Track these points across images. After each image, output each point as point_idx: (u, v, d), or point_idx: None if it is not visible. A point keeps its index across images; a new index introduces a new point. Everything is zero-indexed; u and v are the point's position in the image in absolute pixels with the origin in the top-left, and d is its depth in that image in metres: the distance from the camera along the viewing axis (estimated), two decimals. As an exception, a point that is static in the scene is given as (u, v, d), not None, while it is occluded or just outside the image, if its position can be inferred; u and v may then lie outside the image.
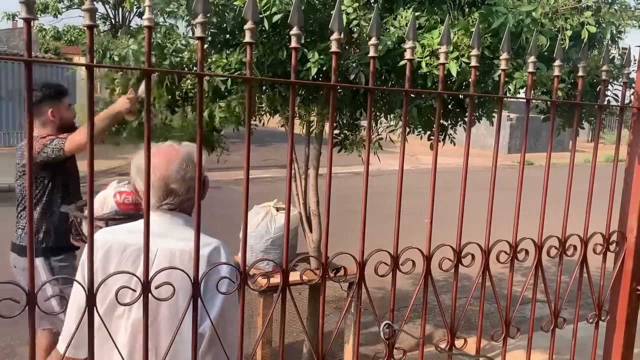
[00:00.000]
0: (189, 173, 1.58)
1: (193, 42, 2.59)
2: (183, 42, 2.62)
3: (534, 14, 2.11)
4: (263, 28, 2.25)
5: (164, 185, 1.57)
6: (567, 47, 2.15)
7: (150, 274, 1.20)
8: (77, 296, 1.54)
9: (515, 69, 2.18)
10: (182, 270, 1.26)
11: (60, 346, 1.66)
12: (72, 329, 1.62)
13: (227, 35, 2.51)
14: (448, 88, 2.35)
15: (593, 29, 2.11)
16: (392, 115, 3.02)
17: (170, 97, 2.77)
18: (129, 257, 1.54)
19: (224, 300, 1.51)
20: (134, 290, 1.21)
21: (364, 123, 2.33)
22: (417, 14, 2.29)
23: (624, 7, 2.31)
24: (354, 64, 2.28)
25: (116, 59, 2.55)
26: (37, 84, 3.00)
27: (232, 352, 1.45)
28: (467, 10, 2.38)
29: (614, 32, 2.27)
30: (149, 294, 1.20)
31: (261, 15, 2.19)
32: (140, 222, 1.62)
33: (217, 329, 1.45)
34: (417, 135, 2.98)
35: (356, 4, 2.18)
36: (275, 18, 2.17)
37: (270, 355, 3.20)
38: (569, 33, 2.11)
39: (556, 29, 2.15)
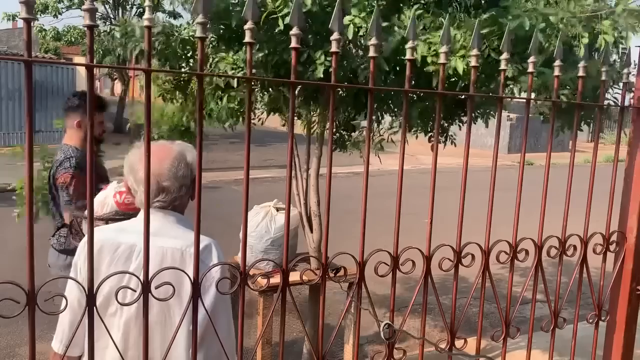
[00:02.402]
0: (181, 171, 1.58)
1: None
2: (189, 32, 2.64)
3: (552, 18, 2.07)
4: (268, 27, 2.25)
5: (156, 183, 1.57)
6: (581, 55, 2.13)
7: (142, 273, 1.20)
8: (70, 295, 1.54)
9: (521, 72, 2.17)
10: (183, 271, 1.26)
11: (54, 344, 1.66)
12: (66, 327, 1.62)
13: (231, 33, 2.52)
14: (452, 89, 2.35)
15: (610, 39, 2.07)
16: (394, 117, 3.02)
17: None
18: (120, 256, 1.54)
19: (215, 297, 1.52)
20: (133, 290, 1.21)
21: (365, 123, 2.33)
22: (421, 13, 2.29)
23: (632, 13, 2.28)
24: (362, 67, 2.28)
25: (118, 35, 2.54)
26: (77, 91, 3.17)
27: (224, 346, 1.45)
28: (472, 12, 2.37)
29: (617, 37, 2.25)
30: (149, 294, 1.20)
31: (275, 16, 2.20)
32: (132, 221, 1.64)
33: (207, 325, 1.45)
34: (415, 134, 2.97)
35: (363, 14, 2.18)
36: (287, 19, 2.19)
37: (270, 355, 3.20)
38: (585, 41, 2.07)
39: (572, 36, 2.11)
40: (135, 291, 1.20)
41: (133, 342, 1.54)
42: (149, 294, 1.20)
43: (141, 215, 1.61)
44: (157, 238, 1.53)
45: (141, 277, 1.19)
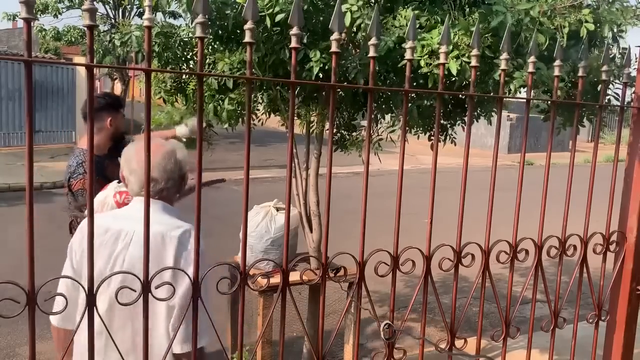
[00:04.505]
0: (170, 166, 1.73)
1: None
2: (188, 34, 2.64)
3: (532, 12, 2.10)
4: (265, 26, 2.25)
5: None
6: (566, 46, 2.14)
7: (125, 255, 1.42)
8: (66, 273, 1.69)
9: (516, 68, 2.18)
10: (179, 267, 1.26)
11: (52, 318, 1.75)
12: (60, 303, 1.67)
13: (229, 33, 2.51)
14: (449, 88, 2.35)
15: (591, 27, 2.10)
16: (392, 116, 3.01)
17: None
18: (108, 240, 1.66)
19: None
20: (132, 289, 1.22)
21: (364, 123, 2.33)
22: (417, 12, 2.28)
23: (624, 5, 2.30)
24: (353, 64, 2.27)
25: (117, 43, 2.55)
26: (99, 93, 3.18)
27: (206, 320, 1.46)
28: (467, 10, 2.38)
29: (615, 30, 2.26)
30: (149, 293, 1.21)
31: (263, 14, 2.20)
32: (127, 208, 1.82)
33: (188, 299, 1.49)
34: (415, 134, 2.98)
35: (360, 2, 2.18)
36: (278, 17, 2.17)
37: (270, 355, 3.20)
38: (566, 31, 2.11)
39: (554, 28, 2.14)
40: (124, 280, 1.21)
41: (117, 328, 1.62)
42: (149, 293, 1.20)
43: (131, 203, 1.79)
44: (142, 224, 1.57)
45: (126, 260, 1.38)
